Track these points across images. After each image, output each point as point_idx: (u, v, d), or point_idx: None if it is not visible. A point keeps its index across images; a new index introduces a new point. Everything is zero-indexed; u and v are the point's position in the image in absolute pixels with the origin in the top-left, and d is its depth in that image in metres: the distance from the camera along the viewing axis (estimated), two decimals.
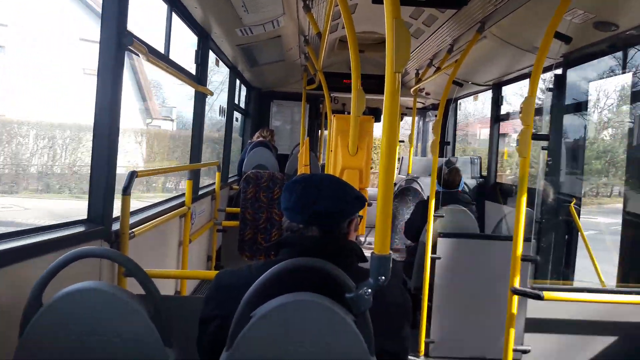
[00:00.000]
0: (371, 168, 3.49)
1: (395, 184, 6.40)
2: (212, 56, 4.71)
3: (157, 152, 14.64)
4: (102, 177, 2.49)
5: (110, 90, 2.44)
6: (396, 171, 7.71)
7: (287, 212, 1.52)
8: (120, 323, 1.44)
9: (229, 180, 6.30)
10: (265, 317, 1.29)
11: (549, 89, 4.05)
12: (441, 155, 6.70)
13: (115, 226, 2.65)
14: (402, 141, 8.46)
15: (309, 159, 5.58)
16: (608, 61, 3.82)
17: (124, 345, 1.44)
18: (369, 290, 1.28)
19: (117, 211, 2.65)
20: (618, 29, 3.16)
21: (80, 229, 2.37)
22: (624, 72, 3.87)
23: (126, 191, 2.60)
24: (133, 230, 2.78)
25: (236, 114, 6.84)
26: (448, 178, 4.42)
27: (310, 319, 1.29)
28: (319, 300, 1.29)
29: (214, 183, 5.32)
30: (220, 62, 5.28)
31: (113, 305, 1.44)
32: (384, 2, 1.25)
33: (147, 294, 1.56)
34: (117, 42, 2.43)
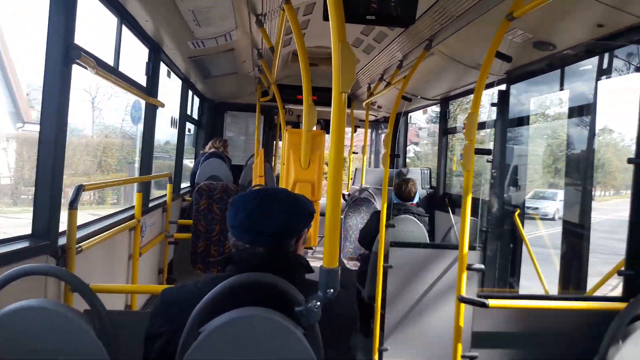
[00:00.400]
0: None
1: (348, 195, 6.50)
2: (163, 67, 4.67)
3: (27, 159, 13.49)
4: (47, 191, 2.43)
5: (56, 104, 2.39)
6: (350, 182, 7.82)
7: (234, 231, 1.49)
8: (66, 341, 1.41)
9: (182, 192, 6.21)
10: (214, 333, 1.29)
11: (493, 104, 4.24)
12: (392, 166, 6.87)
13: (62, 241, 2.58)
14: (356, 152, 8.59)
15: (263, 169, 5.58)
16: (547, 78, 4.04)
17: None
18: (318, 303, 1.30)
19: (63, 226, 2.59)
20: (555, 48, 3.35)
21: (25, 244, 2.30)
22: (561, 89, 4.09)
23: (72, 205, 2.54)
24: (80, 244, 2.71)
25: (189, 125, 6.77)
26: (404, 190, 4.54)
27: (259, 334, 1.30)
28: (268, 314, 1.30)
29: (165, 195, 5.24)
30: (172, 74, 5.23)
31: (57, 323, 1.41)
32: (330, 26, 1.30)
33: (93, 310, 1.53)
34: (63, 56, 2.38)
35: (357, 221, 6.05)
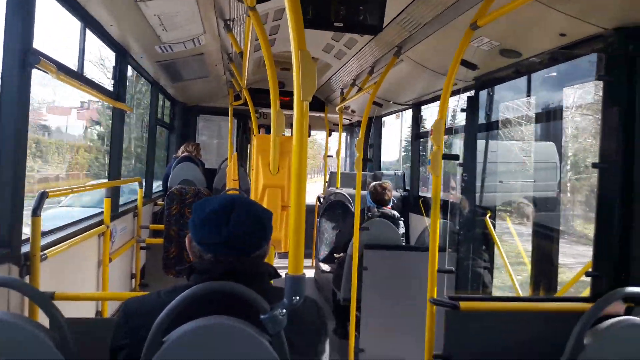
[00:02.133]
0: None
1: (323, 198, 6.51)
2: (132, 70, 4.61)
3: None
4: (8, 197, 2.37)
5: (16, 110, 2.34)
6: (325, 185, 7.84)
7: (214, 247, 1.46)
8: (25, 354, 1.38)
9: (154, 196, 6.13)
10: (177, 342, 1.28)
11: (462, 110, 4.30)
12: (365, 170, 6.91)
13: (26, 248, 2.52)
14: (331, 156, 8.61)
15: (237, 173, 5.55)
16: (515, 84, 4.13)
17: None
18: (284, 310, 1.30)
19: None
20: (521, 56, 3.42)
21: None
22: (528, 95, 4.19)
23: (36, 212, 2.50)
24: (45, 252, 2.66)
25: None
26: (381, 194, 4.59)
27: (224, 342, 1.29)
28: (232, 322, 1.30)
29: (136, 199, 5.17)
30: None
31: (15, 335, 1.37)
32: (290, 34, 1.30)
33: (52, 321, 1.50)
34: (21, 61, 2.33)
35: (332, 224, 6.06)
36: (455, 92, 4.11)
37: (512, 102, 4.59)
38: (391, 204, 4.76)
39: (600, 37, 2.74)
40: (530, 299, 2.86)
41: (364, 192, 4.75)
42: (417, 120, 6.01)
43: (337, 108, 6.58)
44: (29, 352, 1.37)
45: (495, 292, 4.60)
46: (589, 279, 2.77)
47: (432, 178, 2.80)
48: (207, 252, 1.47)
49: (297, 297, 1.30)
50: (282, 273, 1.56)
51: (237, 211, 1.47)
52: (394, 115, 7.08)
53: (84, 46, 3.36)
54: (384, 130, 8.10)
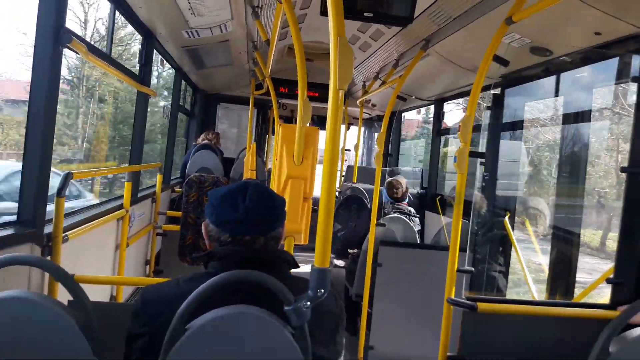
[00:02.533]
0: None
1: (339, 192, 6.48)
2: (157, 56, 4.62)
3: None
4: (34, 178, 2.38)
5: (46, 89, 2.34)
6: (341, 179, 7.81)
7: (230, 226, 1.47)
8: (47, 333, 1.37)
9: (172, 182, 6.16)
10: (200, 330, 1.27)
11: (488, 107, 4.23)
12: (385, 165, 6.86)
13: (48, 229, 2.53)
14: (349, 150, 8.58)
15: (255, 163, 5.55)
16: (543, 84, 4.04)
17: (52, 356, 1.37)
18: (309, 303, 1.28)
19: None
20: (552, 54, 3.34)
21: (9, 231, 2.25)
22: (556, 95, 4.10)
23: (60, 193, 2.51)
24: (67, 233, 2.67)
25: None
26: (397, 190, 4.56)
27: (247, 332, 1.28)
28: (256, 312, 1.29)
29: (155, 185, 5.19)
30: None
31: (39, 314, 1.37)
32: (329, 19, 1.26)
33: (76, 302, 1.49)
34: (53, 40, 2.33)
35: (347, 219, 6.03)
36: (485, 88, 4.05)
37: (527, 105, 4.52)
38: (407, 200, 4.73)
39: (637, 37, 2.67)
40: (548, 304, 2.80)
41: (381, 188, 4.72)
42: (439, 116, 5.94)
43: (358, 101, 6.53)
44: (52, 332, 1.37)
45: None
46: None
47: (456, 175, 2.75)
48: (224, 232, 1.47)
49: (322, 290, 1.28)
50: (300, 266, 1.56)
51: (252, 190, 1.50)
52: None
53: (113, 27, 3.36)
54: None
